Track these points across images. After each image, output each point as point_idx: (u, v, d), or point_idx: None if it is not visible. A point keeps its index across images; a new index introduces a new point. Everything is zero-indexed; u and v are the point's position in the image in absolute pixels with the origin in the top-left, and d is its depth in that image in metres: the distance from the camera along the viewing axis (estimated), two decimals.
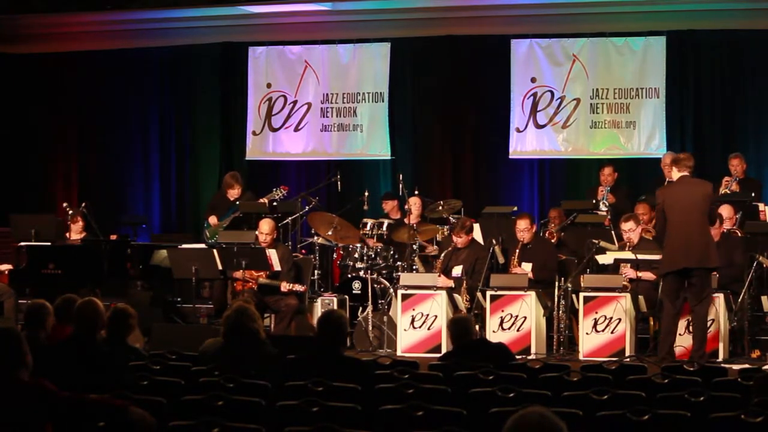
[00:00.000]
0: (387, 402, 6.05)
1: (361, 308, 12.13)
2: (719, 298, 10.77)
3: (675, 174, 10.49)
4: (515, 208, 13.33)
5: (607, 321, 10.94)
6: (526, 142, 14.90)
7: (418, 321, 11.40)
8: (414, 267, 12.46)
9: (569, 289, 11.27)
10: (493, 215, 12.97)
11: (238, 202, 13.56)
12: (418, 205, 13.30)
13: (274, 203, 13.43)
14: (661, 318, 10.59)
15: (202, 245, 12.47)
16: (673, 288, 10.33)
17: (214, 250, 11.64)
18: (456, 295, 11.58)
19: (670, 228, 10.36)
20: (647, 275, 11.33)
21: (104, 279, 12.08)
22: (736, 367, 9.33)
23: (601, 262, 11.66)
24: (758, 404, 5.74)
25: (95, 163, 16.48)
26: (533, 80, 14.88)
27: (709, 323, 10.63)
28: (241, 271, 11.55)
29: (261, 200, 13.53)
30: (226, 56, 16.01)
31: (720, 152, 14.02)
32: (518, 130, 14.91)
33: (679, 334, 10.53)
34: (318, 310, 11.96)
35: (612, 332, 10.93)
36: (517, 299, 11.21)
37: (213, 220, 13.61)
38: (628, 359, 10.39)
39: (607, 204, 13.28)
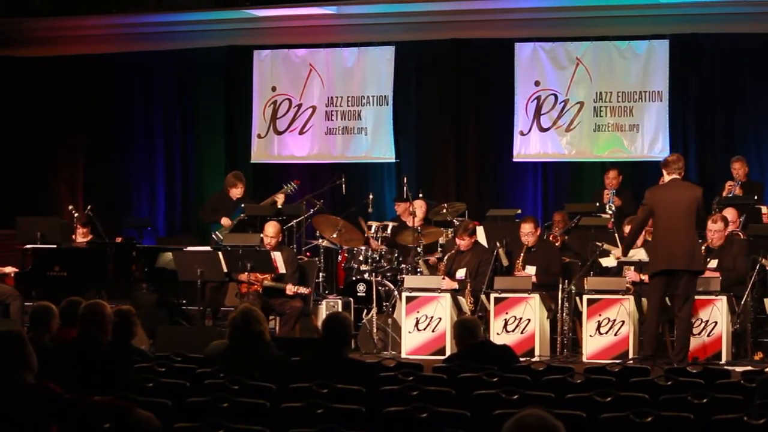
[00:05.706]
0: (391, 404, 6.07)
1: (365, 310, 12.14)
2: (722, 301, 10.79)
3: (666, 177, 10.57)
4: (519, 211, 13.36)
5: (610, 323, 10.96)
6: (530, 146, 14.92)
7: (423, 323, 11.42)
8: (418, 270, 12.49)
9: (573, 291, 11.29)
10: (497, 218, 12.99)
11: (243, 204, 13.56)
12: (423, 208, 13.32)
13: (283, 201, 13.41)
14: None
15: (207, 248, 12.47)
16: (658, 287, 10.40)
17: (220, 253, 11.67)
18: (460, 298, 11.60)
19: (657, 230, 10.47)
20: None
21: (110, 281, 12.09)
22: (738, 369, 9.34)
23: (604, 264, 11.69)
24: (761, 406, 5.76)
25: (101, 166, 16.49)
26: (537, 83, 14.90)
27: (712, 326, 10.69)
28: (246, 273, 11.57)
29: (276, 196, 13.52)
30: (231, 60, 16.03)
31: (722, 155, 14.04)
32: (522, 134, 14.93)
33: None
34: (323, 312, 11.96)
35: (615, 334, 10.95)
36: (521, 302, 11.22)
37: (226, 221, 13.50)
38: (631, 361, 10.40)
39: (614, 208, 13.29)
